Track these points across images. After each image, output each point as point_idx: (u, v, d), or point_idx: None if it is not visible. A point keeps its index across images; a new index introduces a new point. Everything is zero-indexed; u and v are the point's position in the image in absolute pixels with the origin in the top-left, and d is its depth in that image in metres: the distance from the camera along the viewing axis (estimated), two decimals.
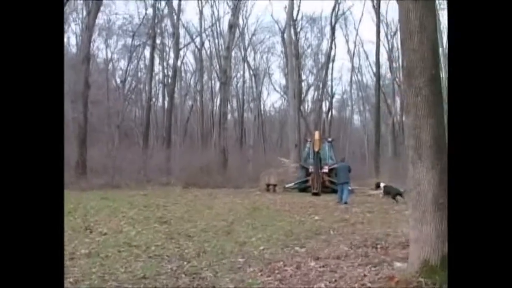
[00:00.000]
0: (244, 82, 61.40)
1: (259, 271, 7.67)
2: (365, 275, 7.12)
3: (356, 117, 72.65)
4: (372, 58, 58.31)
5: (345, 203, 20.15)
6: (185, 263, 8.24)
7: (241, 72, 60.61)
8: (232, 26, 39.17)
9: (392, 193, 21.18)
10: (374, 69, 58.63)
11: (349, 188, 21.85)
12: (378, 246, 9.72)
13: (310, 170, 27.39)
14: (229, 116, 49.16)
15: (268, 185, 27.42)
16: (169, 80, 48.66)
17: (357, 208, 18.03)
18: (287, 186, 28.06)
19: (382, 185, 22.53)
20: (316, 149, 26.15)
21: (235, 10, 40.15)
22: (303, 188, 27.81)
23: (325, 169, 27.16)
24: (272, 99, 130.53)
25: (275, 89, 76.29)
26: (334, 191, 25.80)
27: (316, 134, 27.18)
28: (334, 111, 66.34)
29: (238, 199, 21.66)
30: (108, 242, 10.01)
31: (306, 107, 60.93)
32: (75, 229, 11.71)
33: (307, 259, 8.47)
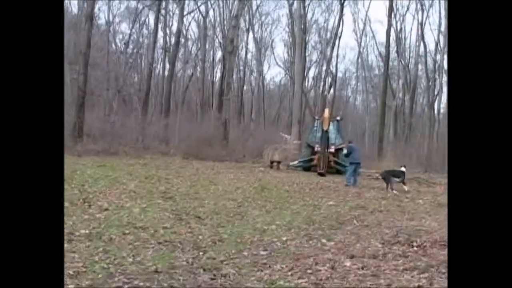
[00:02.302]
0: (246, 53, 60.24)
1: (288, 270, 6.57)
2: (419, 286, 6.05)
3: (356, 97, 71.60)
4: (378, 38, 57.46)
5: (356, 182, 19.77)
6: (201, 253, 7.14)
7: (243, 44, 59.21)
8: None
9: (387, 179, 18.61)
10: (380, 49, 57.85)
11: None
12: (414, 244, 8.68)
13: (316, 149, 26.37)
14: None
15: (272, 162, 26.47)
16: (171, 47, 47.34)
17: (369, 193, 17.10)
18: (291, 164, 27.09)
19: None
20: (325, 128, 25.10)
21: None
22: (307, 167, 26.88)
23: (332, 149, 26.15)
24: (272, 73, 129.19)
25: (276, 63, 75.21)
26: (339, 172, 25.01)
27: (326, 112, 26.05)
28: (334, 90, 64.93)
29: (243, 175, 20.72)
30: (110, 221, 8.89)
31: (307, 84, 59.67)
32: (72, 201, 10.63)
33: (340, 257, 7.39)
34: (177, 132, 34.73)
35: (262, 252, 7.46)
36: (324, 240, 8.59)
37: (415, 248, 8.39)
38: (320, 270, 6.62)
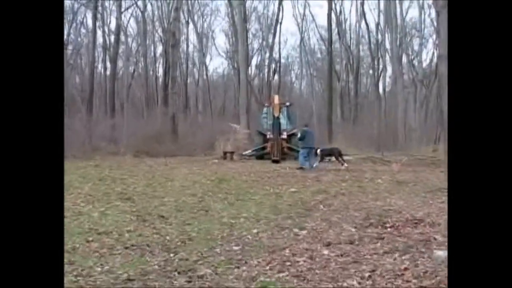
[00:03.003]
0: (187, 46, 59.52)
1: (266, 264, 6.27)
2: (406, 269, 5.84)
3: (301, 82, 71.50)
4: (319, 21, 57.40)
5: (311, 167, 19.87)
6: (172, 255, 6.74)
7: (184, 36, 58.33)
8: None
9: (335, 153, 21.09)
10: (321, 32, 57.95)
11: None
12: (386, 225, 8.55)
13: (268, 136, 26.16)
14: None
15: (225, 153, 26.15)
16: (111, 45, 46.33)
17: (326, 177, 17.11)
18: (244, 153, 26.83)
19: (318, 151, 21.21)
20: (276, 114, 24.93)
21: None
22: (260, 155, 26.66)
23: (284, 135, 25.98)
24: (215, 63, 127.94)
25: (219, 53, 74.52)
26: (295, 158, 24.84)
27: (276, 99, 25.94)
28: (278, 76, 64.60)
29: (197, 168, 20.33)
30: (71, 229, 8.32)
31: (251, 72, 59.28)
32: None
33: (316, 246, 7.16)
34: (125, 130, 33.87)
35: (235, 248, 7.14)
36: (296, 229, 8.32)
37: (389, 229, 8.27)
38: (298, 262, 6.36)
